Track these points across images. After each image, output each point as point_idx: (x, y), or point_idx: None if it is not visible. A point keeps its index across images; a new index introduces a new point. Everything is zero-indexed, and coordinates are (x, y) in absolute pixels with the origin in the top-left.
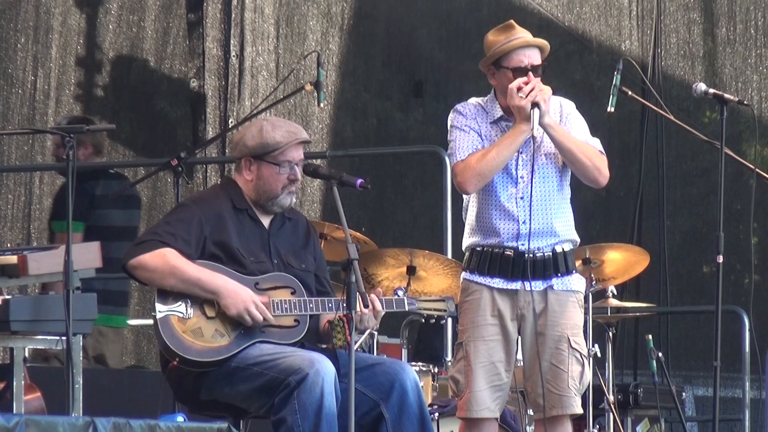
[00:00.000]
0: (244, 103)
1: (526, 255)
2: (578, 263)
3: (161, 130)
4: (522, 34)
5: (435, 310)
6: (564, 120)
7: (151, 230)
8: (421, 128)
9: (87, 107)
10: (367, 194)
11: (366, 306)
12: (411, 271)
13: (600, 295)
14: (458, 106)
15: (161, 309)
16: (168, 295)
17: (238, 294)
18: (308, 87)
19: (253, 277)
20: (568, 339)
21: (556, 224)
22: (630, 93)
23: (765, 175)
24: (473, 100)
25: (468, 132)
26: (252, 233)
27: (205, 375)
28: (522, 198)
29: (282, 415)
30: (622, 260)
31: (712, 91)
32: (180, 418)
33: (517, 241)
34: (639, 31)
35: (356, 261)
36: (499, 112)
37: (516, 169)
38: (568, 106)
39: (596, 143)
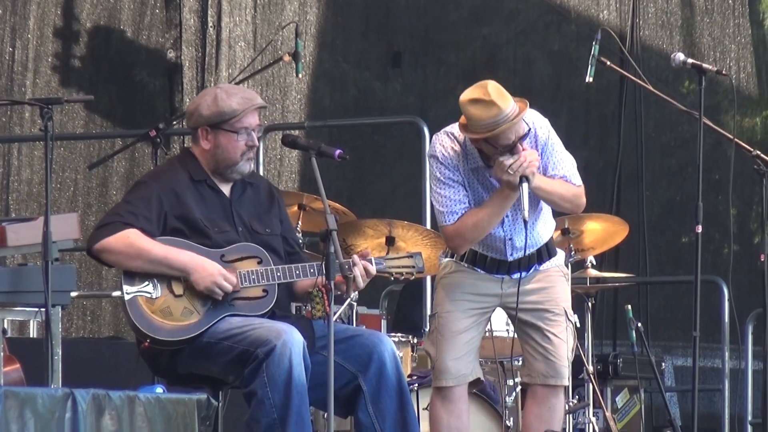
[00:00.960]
0: (222, 74)
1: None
2: (557, 233)
3: (139, 101)
4: (502, 108)
5: (404, 267)
6: (542, 152)
7: (113, 211)
8: (400, 98)
9: (65, 78)
10: (345, 165)
11: (344, 276)
12: (390, 241)
13: (579, 265)
14: (437, 153)
15: (129, 290)
16: (134, 275)
17: (205, 269)
18: (286, 58)
19: (218, 249)
20: (565, 311)
21: (539, 229)
22: (608, 63)
23: (744, 145)
24: (449, 136)
25: (452, 186)
26: (213, 203)
27: (179, 352)
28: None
29: (252, 388)
30: (601, 230)
31: (690, 61)
32: (159, 390)
33: (506, 256)
34: (617, 0)
35: (335, 232)
36: (477, 162)
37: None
38: (544, 132)
39: (573, 171)
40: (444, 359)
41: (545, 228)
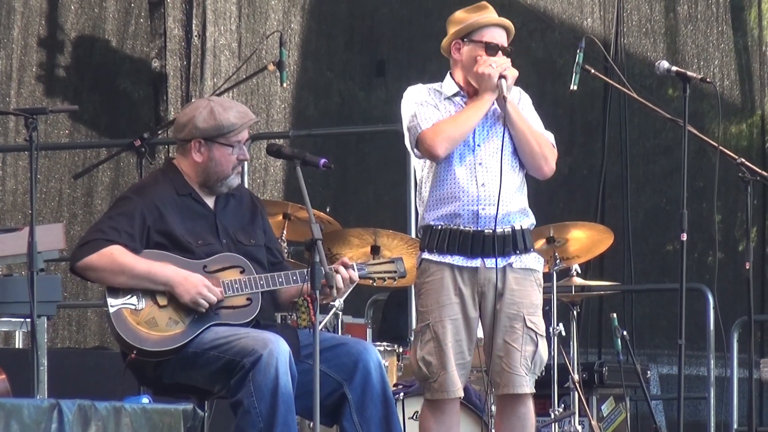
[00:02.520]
0: (207, 83)
1: (485, 231)
2: (542, 242)
3: (123, 110)
4: (495, 15)
5: (385, 272)
6: (521, 107)
7: (95, 228)
8: (384, 107)
9: (49, 88)
10: (330, 174)
11: (330, 286)
12: (375, 250)
13: (564, 273)
14: (410, 88)
15: (113, 303)
16: (118, 289)
17: (189, 281)
18: (271, 67)
19: (200, 260)
20: (524, 318)
21: (516, 196)
22: (593, 71)
23: (728, 152)
24: (421, 84)
25: (426, 106)
26: (197, 216)
27: (165, 362)
28: (481, 164)
29: (239, 398)
30: (586, 239)
31: (675, 68)
32: (145, 400)
33: (477, 205)
34: (600, 8)
35: (320, 241)
36: (454, 89)
37: (473, 138)
38: (527, 98)
39: (549, 136)
40: (449, 371)
41: (520, 195)
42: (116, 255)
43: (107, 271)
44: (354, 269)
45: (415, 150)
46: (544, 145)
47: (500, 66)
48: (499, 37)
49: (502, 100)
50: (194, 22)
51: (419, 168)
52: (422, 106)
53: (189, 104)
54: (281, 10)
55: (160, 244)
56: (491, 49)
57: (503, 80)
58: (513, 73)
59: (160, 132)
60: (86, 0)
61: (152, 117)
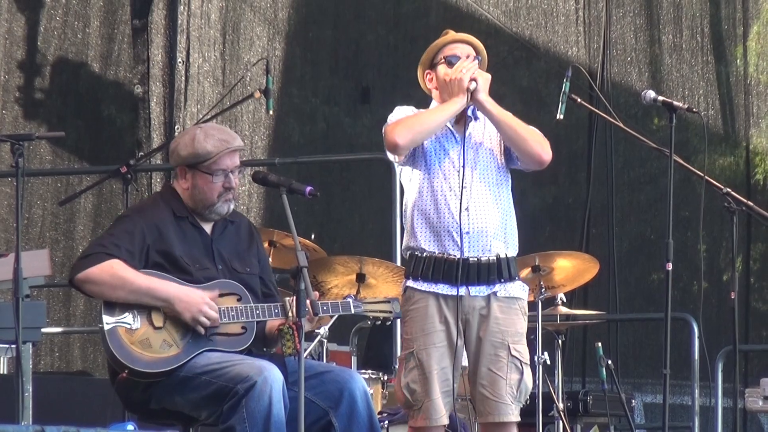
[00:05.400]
0: (191, 110)
1: (470, 259)
2: (527, 270)
3: (107, 136)
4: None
5: (380, 311)
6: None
7: (96, 242)
8: (369, 134)
9: (32, 113)
10: (315, 201)
11: (316, 313)
12: (360, 278)
13: (549, 302)
14: (397, 107)
15: (108, 321)
16: (114, 306)
17: (190, 297)
18: (257, 94)
19: (198, 285)
20: (509, 346)
21: (500, 223)
22: (579, 100)
23: (714, 182)
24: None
25: (403, 111)
26: (194, 240)
27: (154, 385)
28: (465, 188)
29: (230, 424)
30: (571, 268)
31: (661, 98)
32: (130, 427)
33: (460, 232)
34: (586, 37)
35: (306, 269)
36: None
37: (460, 159)
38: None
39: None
40: (434, 398)
41: (505, 222)
42: (117, 269)
43: (107, 284)
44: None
45: (386, 147)
46: (535, 133)
47: (468, 69)
48: (461, 51)
49: (473, 99)
50: (178, 47)
51: (405, 182)
52: (399, 110)
53: (183, 131)
54: (265, 37)
55: (159, 265)
56: (454, 61)
57: (473, 83)
58: (485, 77)
59: (141, 159)
60: (69, 25)
61: (134, 143)
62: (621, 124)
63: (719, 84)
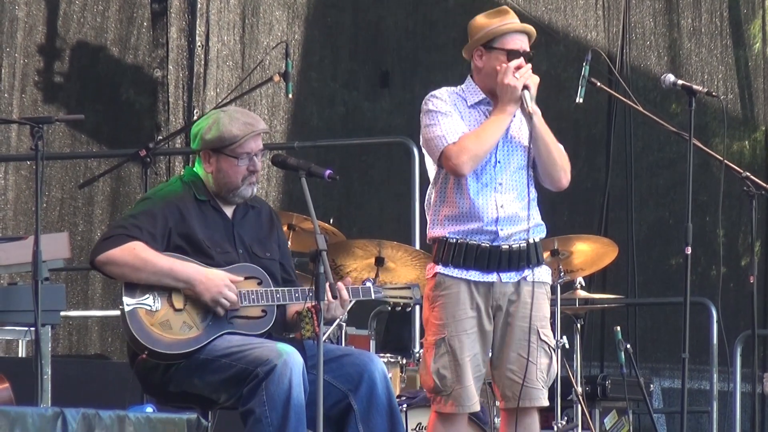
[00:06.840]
0: (209, 93)
1: (502, 246)
2: (546, 254)
3: (126, 119)
4: (517, 20)
5: (401, 297)
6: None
7: (117, 224)
8: (388, 118)
9: (52, 97)
10: (334, 185)
11: (334, 297)
12: (379, 262)
13: (568, 286)
14: (434, 92)
15: (129, 302)
16: (135, 288)
17: (211, 279)
18: (276, 78)
19: (219, 268)
20: (538, 331)
21: (533, 211)
22: (598, 84)
23: (733, 166)
24: (446, 88)
25: (451, 115)
26: (216, 224)
27: (173, 367)
28: (501, 184)
29: (250, 407)
30: (590, 252)
31: (680, 82)
32: (149, 409)
33: (496, 225)
34: (605, 21)
35: (325, 252)
36: (479, 96)
37: (494, 155)
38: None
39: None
40: (466, 385)
41: (535, 209)
42: (138, 250)
43: (129, 265)
44: (347, 291)
45: (438, 161)
46: (564, 157)
47: (523, 76)
48: (521, 44)
49: (527, 114)
50: (197, 31)
51: (431, 169)
52: (445, 116)
53: (204, 115)
54: (285, 21)
55: (180, 248)
56: (514, 55)
57: (526, 91)
58: (534, 81)
59: (162, 143)
60: (89, 9)
61: (153, 127)
62: (640, 108)
63: (738, 68)
